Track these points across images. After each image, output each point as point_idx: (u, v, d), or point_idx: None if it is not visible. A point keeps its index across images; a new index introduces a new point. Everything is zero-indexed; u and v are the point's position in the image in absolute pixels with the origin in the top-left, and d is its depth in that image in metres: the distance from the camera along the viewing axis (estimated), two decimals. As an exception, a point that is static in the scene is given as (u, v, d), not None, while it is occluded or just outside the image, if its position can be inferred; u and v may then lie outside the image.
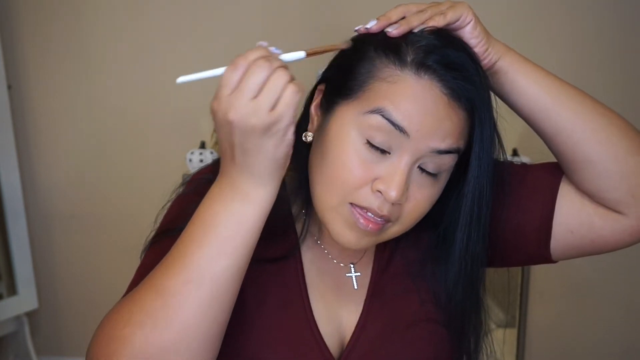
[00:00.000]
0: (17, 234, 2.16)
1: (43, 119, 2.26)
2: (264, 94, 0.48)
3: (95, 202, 2.28)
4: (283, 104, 0.49)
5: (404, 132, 0.56)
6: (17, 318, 2.21)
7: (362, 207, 0.59)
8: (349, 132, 0.58)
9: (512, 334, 1.95)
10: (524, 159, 1.85)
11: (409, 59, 0.57)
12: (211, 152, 1.90)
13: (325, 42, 0.63)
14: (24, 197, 2.20)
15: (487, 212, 0.65)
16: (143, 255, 0.66)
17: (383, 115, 0.56)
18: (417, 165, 0.59)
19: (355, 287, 0.70)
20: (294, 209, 0.69)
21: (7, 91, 2.10)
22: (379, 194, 0.58)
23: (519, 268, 1.91)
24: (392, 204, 0.59)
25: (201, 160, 1.87)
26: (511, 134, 2.00)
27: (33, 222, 2.29)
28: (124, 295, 0.60)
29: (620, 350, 2.12)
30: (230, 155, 0.52)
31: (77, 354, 2.32)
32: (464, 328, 0.70)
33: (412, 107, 0.56)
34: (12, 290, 2.17)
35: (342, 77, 0.60)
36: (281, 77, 0.49)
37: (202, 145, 1.94)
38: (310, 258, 0.69)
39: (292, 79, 0.49)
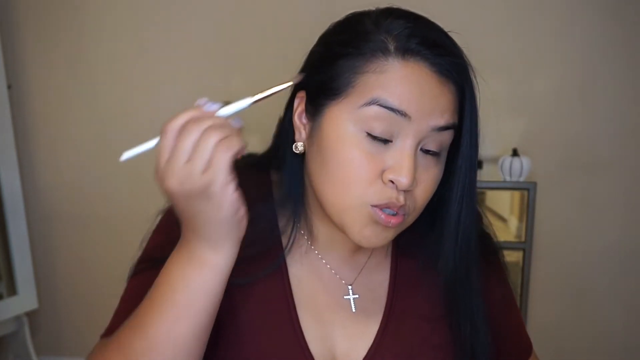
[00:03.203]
0: (17, 234, 2.16)
1: (43, 119, 2.26)
2: (195, 158, 0.47)
3: (95, 202, 2.28)
4: (214, 165, 0.48)
5: (405, 116, 0.56)
6: (17, 318, 2.21)
7: (381, 206, 0.59)
8: (347, 129, 0.58)
9: (512, 334, 1.94)
10: (524, 159, 1.85)
11: (391, 47, 0.57)
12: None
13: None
14: (24, 197, 2.20)
15: (475, 182, 0.66)
16: (128, 281, 0.67)
17: (380, 104, 0.56)
18: (420, 147, 0.59)
19: (354, 310, 0.68)
20: (282, 223, 0.68)
21: (7, 91, 2.10)
22: (391, 184, 0.58)
23: (519, 268, 1.91)
24: (405, 190, 0.58)
25: (201, 160, 1.86)
26: (511, 134, 2.03)
27: (33, 222, 2.29)
28: (106, 331, 0.64)
29: (620, 350, 2.12)
30: (183, 221, 0.52)
31: (76, 354, 2.32)
32: (460, 313, 0.69)
33: (406, 90, 0.56)
34: (12, 290, 2.17)
35: (324, 79, 0.59)
36: (210, 137, 0.47)
37: (202, 145, 1.93)
38: (298, 274, 0.68)
39: (224, 137, 0.48)
